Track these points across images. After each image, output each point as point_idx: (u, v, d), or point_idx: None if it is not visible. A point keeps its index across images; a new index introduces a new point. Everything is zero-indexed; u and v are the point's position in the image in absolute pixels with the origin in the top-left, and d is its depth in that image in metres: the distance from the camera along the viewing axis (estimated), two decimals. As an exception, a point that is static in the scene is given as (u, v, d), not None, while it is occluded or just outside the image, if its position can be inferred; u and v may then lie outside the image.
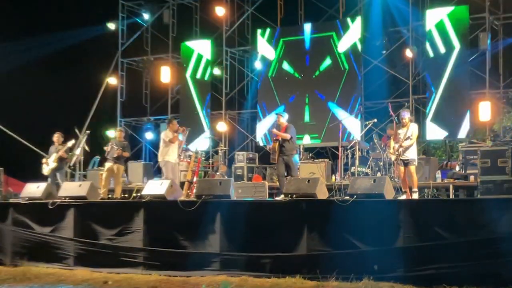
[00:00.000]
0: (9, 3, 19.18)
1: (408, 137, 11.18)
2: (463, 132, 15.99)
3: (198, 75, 19.52)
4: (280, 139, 12.46)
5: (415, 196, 11.28)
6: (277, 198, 12.05)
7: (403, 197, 11.11)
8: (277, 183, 13.35)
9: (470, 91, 16.27)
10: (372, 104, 17.86)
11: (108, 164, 13.92)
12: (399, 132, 11.41)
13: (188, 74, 19.74)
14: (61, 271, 11.89)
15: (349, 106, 17.39)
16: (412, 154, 11.30)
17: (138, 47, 20.68)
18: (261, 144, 18.46)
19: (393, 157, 11.57)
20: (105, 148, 14.10)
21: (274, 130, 12.58)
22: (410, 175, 11.32)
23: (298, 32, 18.31)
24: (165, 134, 13.62)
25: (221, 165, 16.34)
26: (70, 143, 14.27)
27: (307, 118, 17.89)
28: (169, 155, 13.53)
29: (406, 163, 11.30)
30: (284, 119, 12.76)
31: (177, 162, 13.71)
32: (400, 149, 11.19)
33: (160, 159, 13.65)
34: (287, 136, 12.46)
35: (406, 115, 11.47)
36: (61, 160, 14.26)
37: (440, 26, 16.31)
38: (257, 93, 19.06)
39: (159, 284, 10.57)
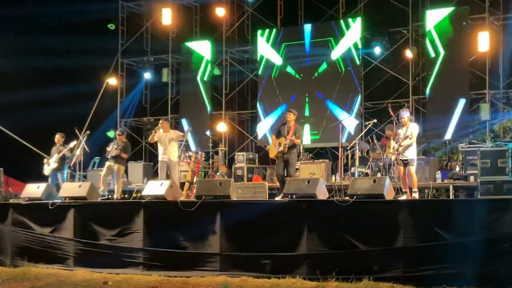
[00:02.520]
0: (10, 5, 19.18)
1: (407, 137, 11.17)
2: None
3: (198, 76, 19.52)
4: (290, 143, 12.26)
5: (415, 196, 11.27)
6: (276, 199, 12.04)
7: (403, 197, 11.11)
8: (277, 184, 13.34)
9: (470, 92, 16.27)
10: (372, 104, 17.88)
11: (108, 163, 13.98)
12: (399, 132, 11.40)
13: (187, 74, 19.74)
14: (61, 272, 11.90)
15: (347, 106, 17.38)
16: (411, 154, 11.27)
17: (138, 47, 20.68)
18: (263, 142, 18.43)
19: (393, 157, 11.56)
20: (107, 148, 14.15)
21: (291, 138, 12.18)
22: (410, 175, 11.30)
23: (299, 37, 18.28)
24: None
25: (221, 165, 16.34)
26: (72, 143, 14.32)
27: (307, 113, 17.89)
28: (159, 155, 13.83)
29: (405, 163, 11.28)
30: (295, 116, 12.61)
31: (166, 160, 13.70)
32: (400, 149, 11.19)
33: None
34: (299, 142, 12.46)
35: (405, 114, 11.44)
36: (62, 161, 14.30)
37: (440, 26, 16.32)
38: (257, 93, 19.07)
39: (159, 284, 10.57)
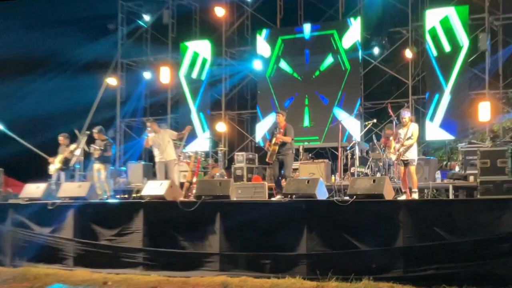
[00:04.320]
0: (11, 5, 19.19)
1: (409, 137, 11.20)
2: (464, 133, 16.01)
3: (198, 76, 19.51)
4: (279, 141, 12.39)
5: (415, 196, 11.28)
6: (273, 199, 12.04)
7: (403, 197, 11.12)
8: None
9: (470, 92, 16.26)
10: (371, 104, 17.87)
11: (95, 166, 13.99)
12: (400, 132, 11.42)
13: (187, 74, 19.74)
14: (61, 272, 11.90)
15: (350, 106, 17.33)
16: (412, 154, 11.31)
17: (138, 47, 20.67)
18: (261, 144, 18.43)
19: (393, 157, 11.56)
20: (90, 151, 14.17)
21: (279, 136, 12.33)
22: (410, 175, 11.33)
23: (297, 30, 18.28)
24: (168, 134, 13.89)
25: (216, 167, 16.24)
26: (72, 146, 14.33)
27: (306, 122, 17.83)
28: (156, 156, 13.70)
29: (406, 163, 11.31)
30: (284, 117, 12.68)
31: (164, 161, 13.68)
32: (401, 149, 11.20)
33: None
34: (289, 139, 12.41)
35: (406, 114, 11.47)
36: (66, 161, 14.33)
37: (440, 26, 16.30)
38: (256, 93, 19.06)
39: (158, 284, 10.58)
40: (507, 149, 10.28)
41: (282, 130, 12.44)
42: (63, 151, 14.43)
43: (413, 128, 11.35)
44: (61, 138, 14.67)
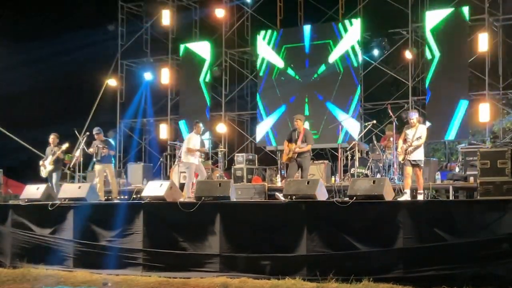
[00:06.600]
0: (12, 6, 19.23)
1: (419, 137, 11.23)
2: (463, 134, 16.00)
3: (198, 77, 19.51)
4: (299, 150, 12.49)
5: (420, 197, 11.29)
6: (277, 194, 12.05)
7: (403, 198, 11.12)
8: (277, 184, 13.35)
9: (470, 93, 16.27)
10: (371, 105, 17.87)
11: (98, 167, 13.92)
12: (407, 133, 11.44)
13: (187, 75, 19.73)
14: (61, 273, 11.89)
15: (347, 107, 17.33)
16: (420, 155, 11.36)
17: (138, 48, 20.67)
18: (262, 143, 18.43)
19: (400, 157, 11.55)
20: (89, 150, 14.04)
21: (300, 147, 12.47)
22: (417, 176, 11.36)
23: (298, 38, 18.28)
24: (189, 138, 13.80)
25: (216, 170, 16.25)
26: (65, 145, 14.23)
27: (307, 114, 17.89)
28: (194, 156, 13.65)
29: (414, 164, 11.34)
30: (302, 122, 12.78)
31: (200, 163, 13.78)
32: (410, 149, 11.22)
33: (184, 159, 13.78)
34: (309, 147, 12.57)
35: (413, 115, 11.51)
36: (57, 162, 14.23)
37: (440, 27, 16.31)
38: (256, 94, 19.07)
39: (158, 285, 10.58)
40: (507, 150, 10.28)
41: (302, 136, 12.55)
42: (52, 151, 14.23)
43: (422, 129, 11.41)
44: (53, 137, 14.45)
